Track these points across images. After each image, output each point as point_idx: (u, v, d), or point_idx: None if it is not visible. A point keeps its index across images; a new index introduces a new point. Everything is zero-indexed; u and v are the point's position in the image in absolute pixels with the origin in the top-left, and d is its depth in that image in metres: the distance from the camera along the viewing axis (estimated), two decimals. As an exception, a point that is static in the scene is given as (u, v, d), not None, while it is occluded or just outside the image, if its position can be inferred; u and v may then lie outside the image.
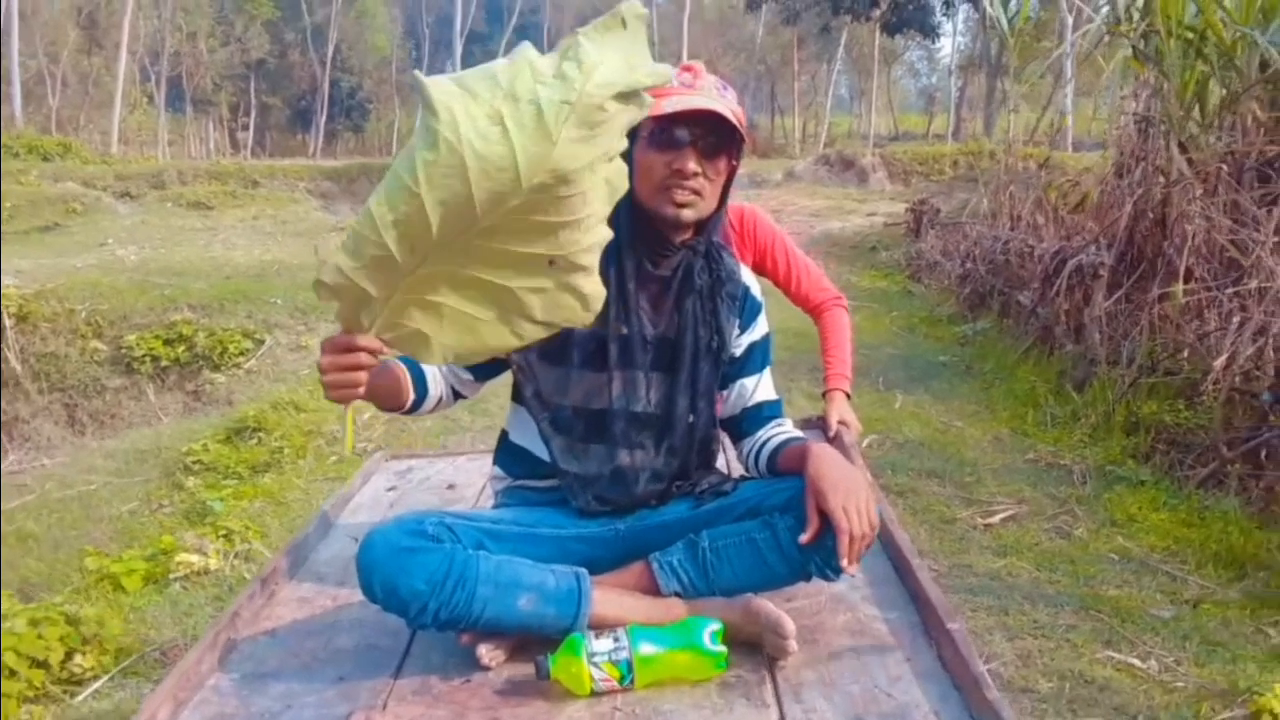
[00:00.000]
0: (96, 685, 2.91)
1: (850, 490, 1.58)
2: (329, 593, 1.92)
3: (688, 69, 1.76)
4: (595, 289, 1.45)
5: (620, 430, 1.76)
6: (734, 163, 1.78)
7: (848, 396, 2.71)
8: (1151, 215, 5.60)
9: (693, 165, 1.70)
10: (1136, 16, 5.78)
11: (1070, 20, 13.88)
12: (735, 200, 2.74)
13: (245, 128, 42.79)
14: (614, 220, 1.65)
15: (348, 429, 1.59)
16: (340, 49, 41.87)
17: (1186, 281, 4.99)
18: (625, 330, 1.75)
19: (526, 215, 1.33)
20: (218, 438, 5.63)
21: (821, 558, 1.62)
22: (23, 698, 2.80)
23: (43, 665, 2.87)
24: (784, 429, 1.87)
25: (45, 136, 20.48)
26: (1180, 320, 5.02)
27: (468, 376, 1.80)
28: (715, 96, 1.71)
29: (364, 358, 1.45)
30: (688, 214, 1.72)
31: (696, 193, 1.72)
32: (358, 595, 1.65)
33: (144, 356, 7.62)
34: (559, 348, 1.71)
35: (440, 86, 1.29)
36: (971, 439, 5.08)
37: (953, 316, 8.09)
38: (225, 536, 3.78)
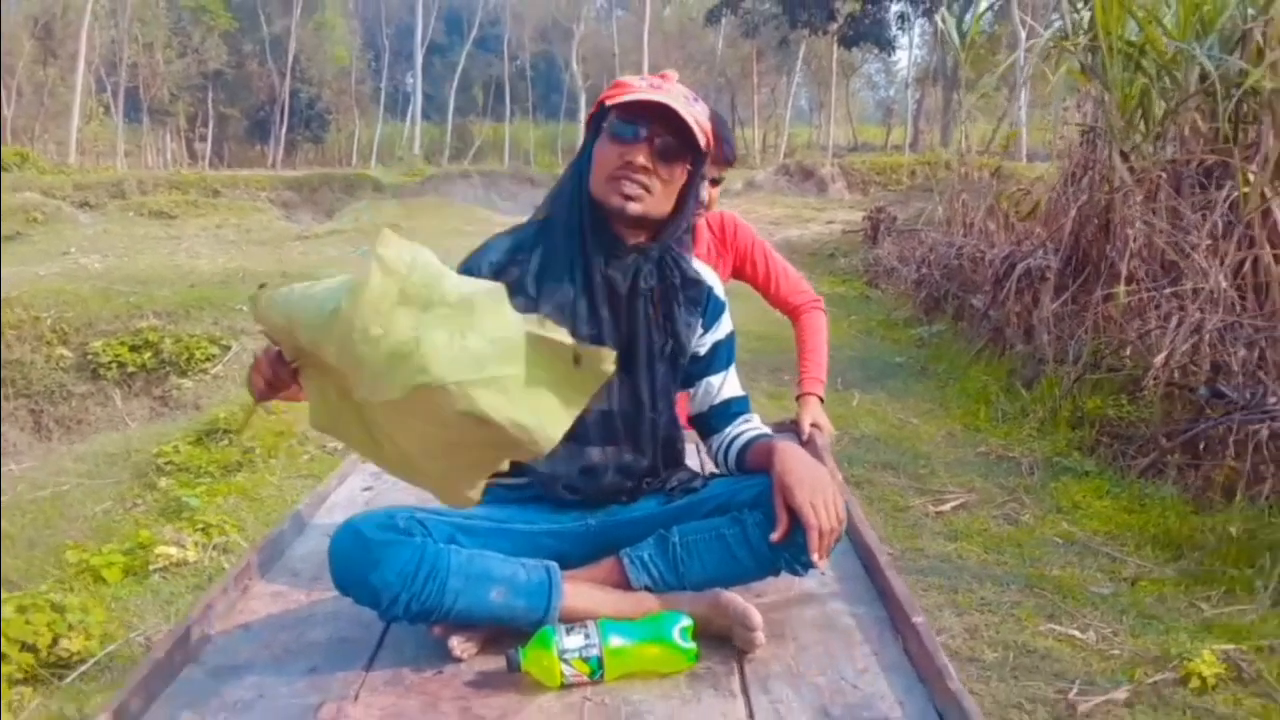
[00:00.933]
0: (83, 668, 3.00)
1: (816, 486, 1.61)
2: (303, 588, 1.92)
3: (662, 76, 1.79)
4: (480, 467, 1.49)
5: (588, 428, 1.75)
6: (691, 169, 1.78)
7: (821, 400, 2.77)
8: (1096, 221, 5.85)
9: (642, 160, 1.70)
10: (1082, 32, 6.02)
11: (1023, 34, 14.25)
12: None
13: (203, 138, 42.44)
14: (573, 217, 1.77)
15: (248, 417, 1.74)
16: (299, 60, 41.70)
17: (1128, 283, 5.22)
18: (590, 330, 1.76)
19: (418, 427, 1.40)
20: (188, 439, 5.68)
21: (790, 553, 1.65)
22: (13, 680, 2.88)
23: (31, 649, 2.95)
24: (752, 425, 1.88)
25: (5, 147, 20.30)
26: (1122, 320, 5.25)
27: None
28: (681, 102, 1.72)
29: (286, 380, 1.53)
30: (633, 207, 1.72)
31: (645, 189, 1.72)
32: (331, 590, 1.67)
33: (110, 363, 7.63)
34: None
35: (392, 255, 1.37)
36: (925, 434, 5.27)
37: (909, 320, 8.31)
38: (203, 530, 3.88)
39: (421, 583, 1.55)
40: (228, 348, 7.74)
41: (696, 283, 1.86)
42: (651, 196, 1.73)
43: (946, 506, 4.21)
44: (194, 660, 1.65)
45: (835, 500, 1.61)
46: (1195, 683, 2.80)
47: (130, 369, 7.63)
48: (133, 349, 7.67)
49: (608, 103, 1.72)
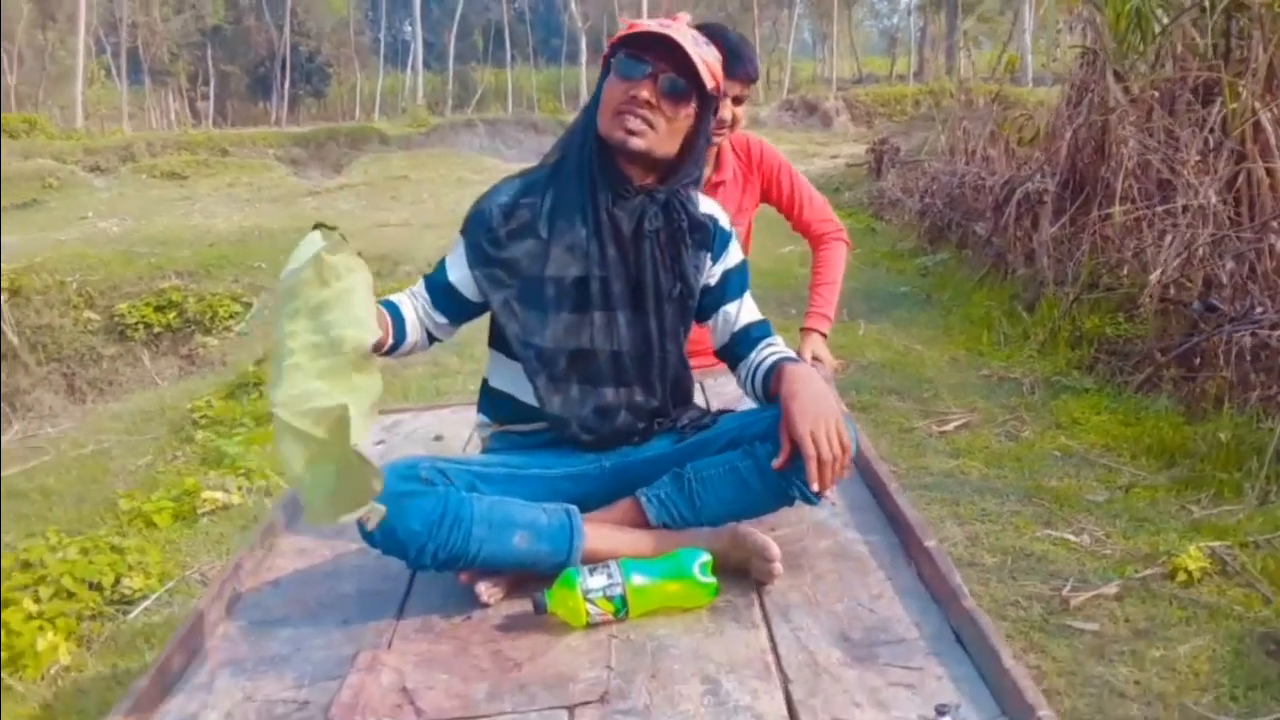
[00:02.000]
0: (146, 604, 3.24)
1: (819, 415, 1.60)
2: (327, 543, 1.95)
3: (673, 17, 1.81)
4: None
5: (599, 368, 1.80)
6: (699, 112, 1.79)
7: (824, 336, 2.78)
8: (1092, 143, 5.95)
9: (646, 94, 1.71)
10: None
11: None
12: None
13: (205, 97, 42.37)
14: (583, 157, 1.78)
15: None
16: (296, 13, 41.45)
17: (1123, 203, 5.34)
18: (600, 271, 1.78)
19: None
20: (220, 394, 5.91)
21: (802, 481, 1.64)
22: (81, 615, 3.12)
23: (96, 588, 3.20)
24: (774, 349, 1.85)
25: (9, 114, 20.40)
26: (1119, 240, 5.39)
27: (442, 320, 1.84)
28: (689, 41, 1.72)
29: None
30: (635, 142, 1.72)
31: (649, 124, 1.72)
32: (355, 544, 1.71)
33: (136, 324, 7.88)
34: (537, 289, 1.77)
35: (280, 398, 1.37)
36: (930, 360, 5.44)
37: (913, 250, 8.44)
38: (245, 475, 4.10)
39: (447, 531, 1.58)
40: (249, 305, 7.96)
41: (703, 225, 1.85)
42: (655, 133, 1.73)
43: (950, 426, 4.39)
44: (229, 617, 1.70)
45: (839, 429, 1.60)
46: (1182, 576, 2.99)
47: (156, 329, 7.87)
48: (157, 309, 7.90)
49: (617, 39, 1.75)
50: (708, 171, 2.55)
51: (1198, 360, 4.52)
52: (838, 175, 12.60)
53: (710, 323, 1.90)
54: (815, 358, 2.68)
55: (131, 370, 7.81)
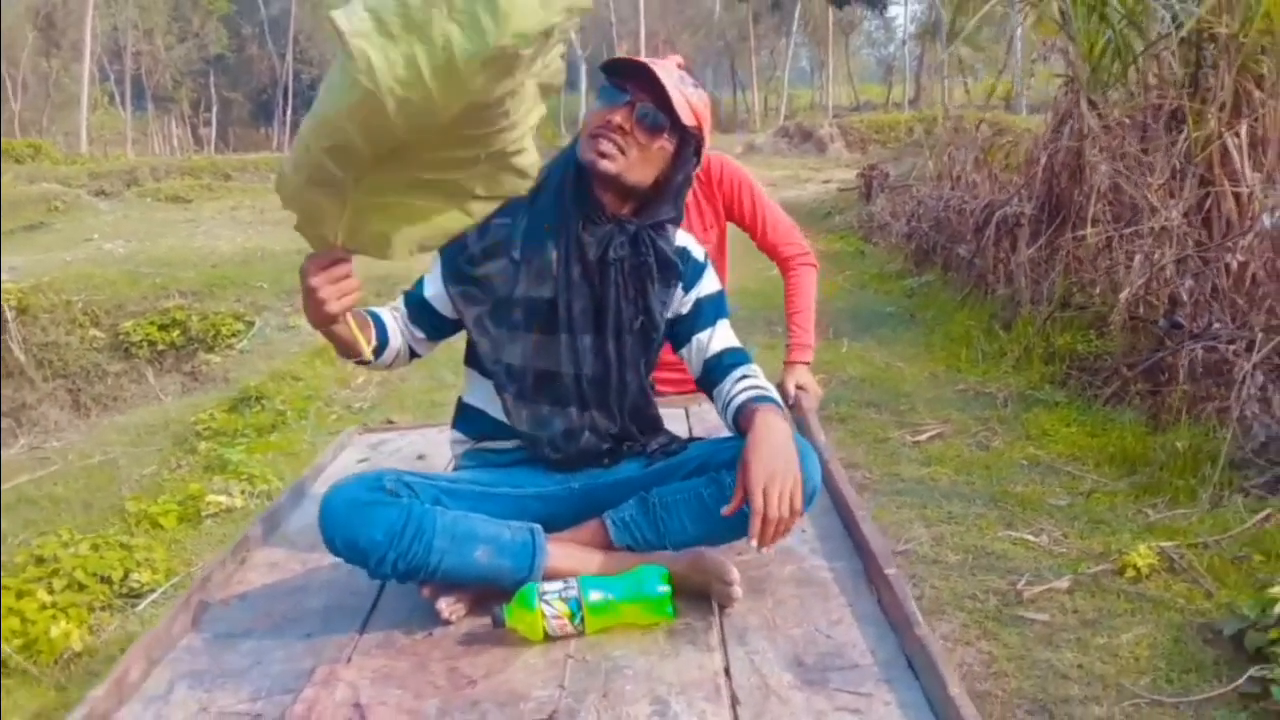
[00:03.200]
0: (153, 597, 3.42)
1: (775, 473, 1.59)
2: (299, 558, 1.97)
3: (668, 56, 1.86)
4: (530, 161, 1.46)
5: (565, 389, 1.82)
6: (678, 148, 1.82)
7: (808, 365, 2.78)
8: (1068, 168, 6.16)
9: (619, 119, 1.74)
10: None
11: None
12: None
13: (207, 123, 42.79)
14: (562, 181, 1.80)
15: (356, 335, 1.63)
16: (299, 40, 41.91)
17: (1095, 225, 5.55)
18: (566, 294, 1.80)
19: (455, 132, 1.36)
20: (222, 408, 6.10)
21: (746, 530, 1.64)
22: (92, 607, 3.30)
23: (106, 581, 3.38)
24: (749, 382, 1.83)
25: (15, 140, 20.70)
26: (1091, 261, 5.59)
27: (420, 335, 1.88)
28: (670, 75, 1.76)
29: (349, 266, 1.53)
30: (604, 164, 1.74)
31: (620, 149, 1.75)
32: (327, 559, 1.73)
33: (141, 342, 8.07)
34: (508, 308, 1.80)
35: (356, 25, 1.27)
36: (909, 375, 5.64)
37: (900, 272, 8.65)
38: (247, 479, 4.28)
39: (408, 542, 1.59)
40: (251, 323, 8.15)
41: (672, 262, 1.86)
42: (625, 159, 1.75)
43: (923, 436, 4.58)
44: (194, 630, 1.72)
45: (793, 491, 1.60)
46: (1131, 572, 3.17)
47: (160, 347, 8.06)
48: (161, 328, 8.10)
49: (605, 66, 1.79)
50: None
51: (1163, 375, 4.71)
52: (829, 200, 12.85)
53: (684, 351, 1.91)
54: (800, 386, 2.67)
55: (135, 386, 7.99)
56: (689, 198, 2.73)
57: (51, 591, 3.26)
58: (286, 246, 10.20)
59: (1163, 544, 3.31)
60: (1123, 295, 5.02)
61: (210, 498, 4.11)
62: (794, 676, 1.45)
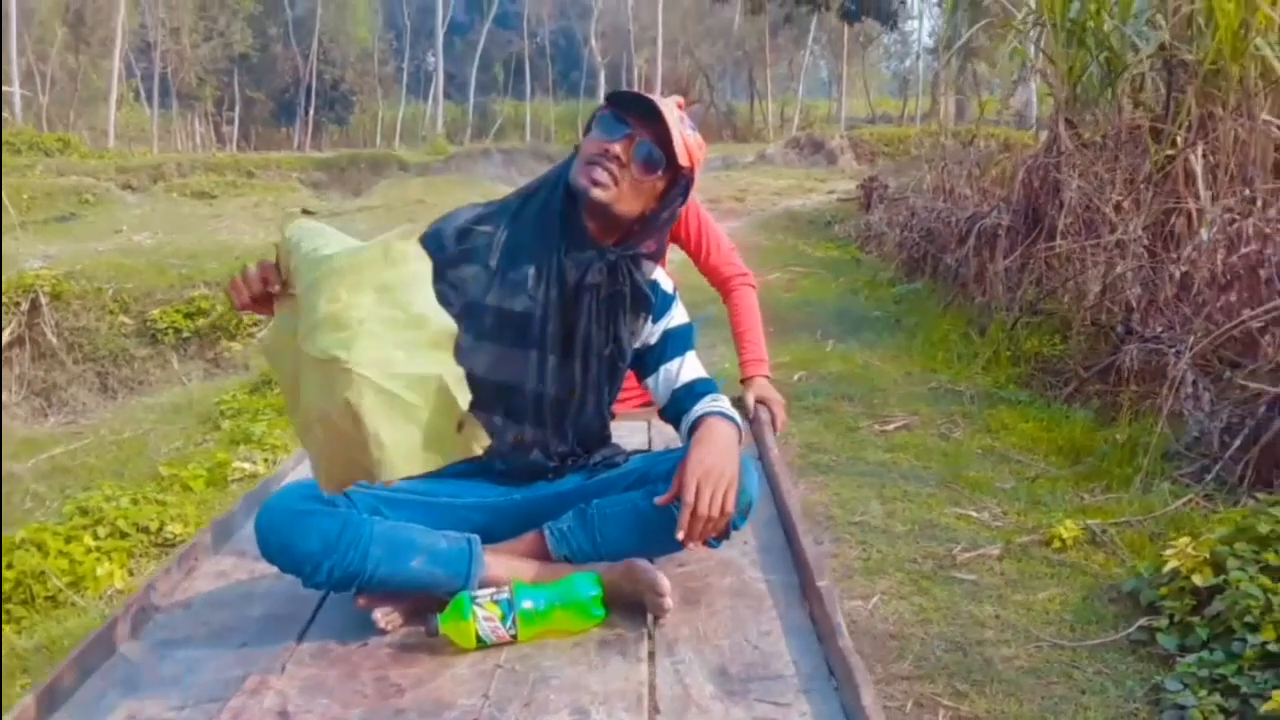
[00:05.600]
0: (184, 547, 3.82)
1: (711, 473, 1.64)
2: (247, 566, 1.97)
3: (678, 102, 1.92)
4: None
5: (522, 404, 1.83)
6: (668, 186, 1.86)
7: (767, 379, 2.81)
8: (1045, 183, 6.54)
9: (618, 150, 1.77)
10: (1029, 11, 6.72)
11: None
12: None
13: (230, 121, 43.33)
14: (550, 201, 1.84)
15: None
16: (322, 41, 42.47)
17: (1064, 238, 5.93)
18: (540, 312, 1.81)
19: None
20: (244, 390, 6.52)
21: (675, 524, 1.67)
22: (132, 552, 3.71)
23: (145, 530, 3.78)
24: (713, 403, 1.86)
25: (46, 134, 21.27)
26: (1060, 270, 5.96)
27: None
28: (674, 116, 1.80)
29: (260, 288, 1.59)
30: (597, 193, 1.77)
31: (614, 179, 1.77)
32: (273, 570, 1.72)
33: (167, 329, 8.52)
34: (478, 314, 1.80)
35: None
36: (886, 374, 6.01)
37: (892, 279, 9.03)
38: (270, 450, 4.69)
39: (344, 550, 1.60)
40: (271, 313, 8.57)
41: (645, 295, 1.88)
42: (617, 189, 1.78)
43: (890, 427, 4.96)
44: (133, 638, 1.73)
45: (726, 493, 1.64)
46: (1057, 544, 3.55)
47: (185, 334, 8.51)
48: (187, 316, 8.55)
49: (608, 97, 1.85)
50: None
51: (1114, 376, 5.08)
52: (830, 209, 13.26)
53: (650, 380, 1.94)
54: (761, 400, 2.69)
55: (161, 371, 8.44)
56: None
57: (96, 538, 3.67)
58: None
59: (1089, 521, 3.69)
60: (1086, 302, 5.41)
61: (236, 464, 4.52)
62: (716, 687, 1.47)
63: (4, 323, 8.31)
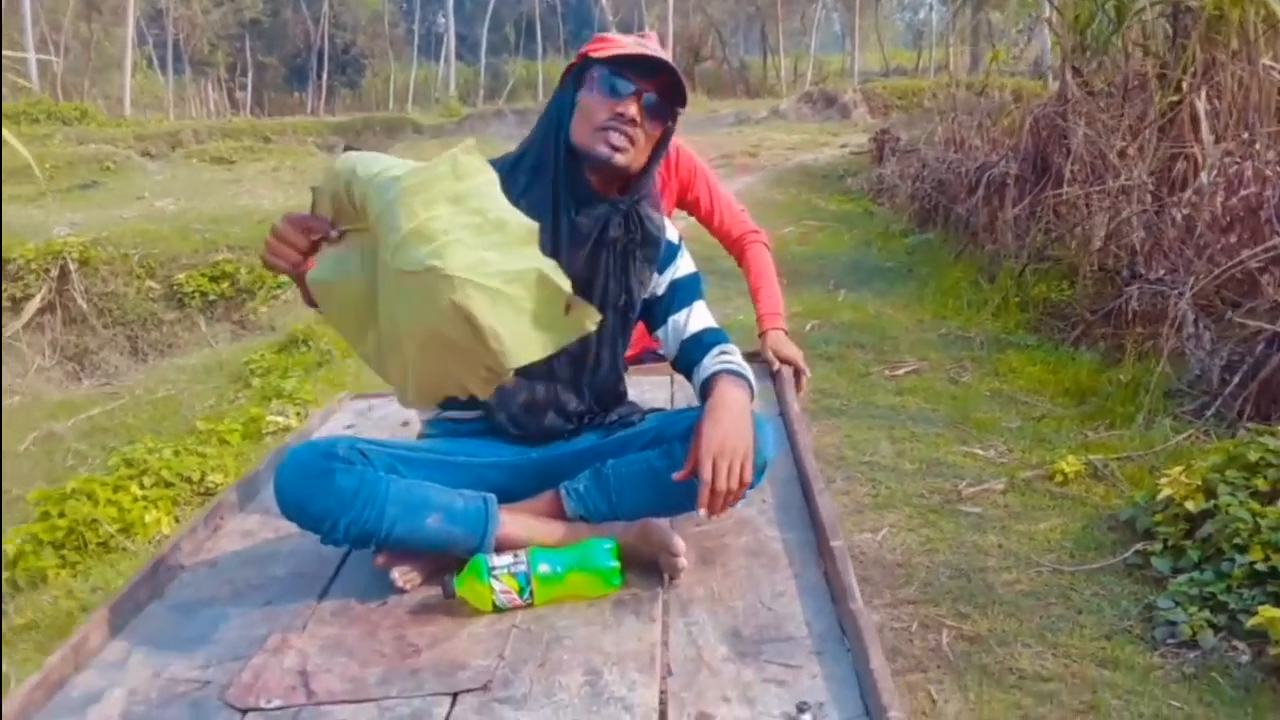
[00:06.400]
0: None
1: (726, 445, 1.63)
2: (272, 525, 1.96)
3: (644, 35, 1.89)
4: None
5: (540, 372, 1.79)
6: (670, 127, 1.85)
7: (784, 332, 2.76)
8: (1053, 130, 6.62)
9: (633, 112, 1.74)
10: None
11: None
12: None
13: (243, 87, 43.37)
14: (547, 163, 1.80)
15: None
16: (333, 5, 42.36)
17: (1071, 185, 6.02)
18: None
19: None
20: (272, 350, 6.70)
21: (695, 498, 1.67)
22: (176, 500, 3.90)
23: (187, 480, 3.98)
24: (725, 357, 1.85)
25: (62, 103, 21.43)
26: (1066, 216, 6.06)
27: None
28: (668, 56, 1.79)
29: (304, 240, 1.55)
30: (620, 158, 1.76)
31: (631, 141, 1.76)
32: (297, 529, 1.71)
33: (193, 292, 8.71)
34: None
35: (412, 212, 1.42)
36: (898, 321, 6.15)
37: (904, 231, 9.12)
38: (301, 404, 4.87)
39: (360, 508, 1.60)
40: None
41: (656, 240, 1.88)
42: (635, 149, 1.77)
43: (900, 372, 5.11)
44: (159, 596, 1.74)
45: (743, 464, 1.64)
46: (1059, 478, 3.70)
47: (211, 297, 8.70)
48: (212, 279, 8.73)
49: (598, 55, 1.77)
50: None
51: (1120, 318, 5.20)
52: (842, 163, 13.30)
53: (660, 332, 1.93)
54: (781, 357, 2.64)
55: (188, 334, 8.64)
56: None
57: (142, 487, 3.86)
58: (326, 205, 10.80)
59: (1091, 456, 3.84)
60: (1091, 248, 5.52)
61: (269, 418, 4.71)
62: (729, 648, 1.47)
63: (35, 290, 8.53)
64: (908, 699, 2.52)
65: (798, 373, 2.60)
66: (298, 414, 4.79)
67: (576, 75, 1.81)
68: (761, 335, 2.71)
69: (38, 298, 8.50)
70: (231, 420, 4.82)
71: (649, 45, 1.81)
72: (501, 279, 1.43)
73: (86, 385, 8.00)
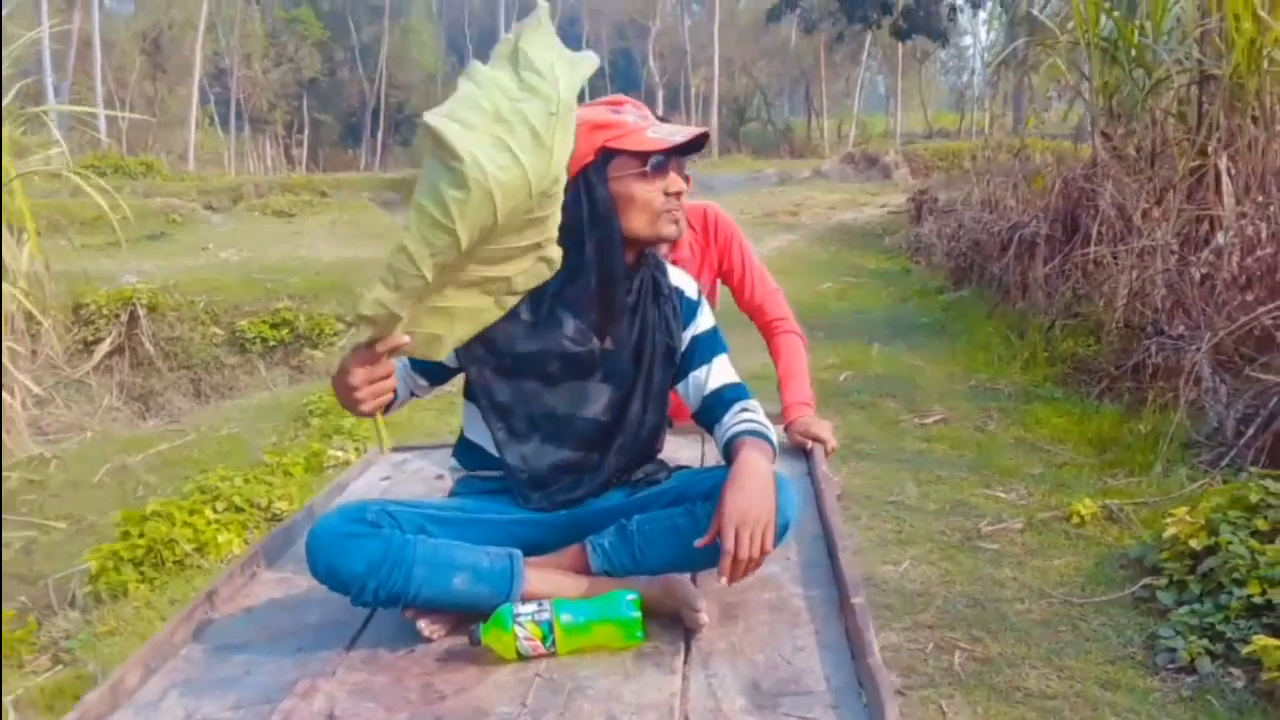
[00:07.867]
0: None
1: (749, 516, 1.64)
2: (306, 573, 1.96)
3: (621, 102, 1.90)
4: (556, 254, 1.58)
5: (568, 430, 1.87)
6: None
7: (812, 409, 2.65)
8: (1083, 192, 6.86)
9: (682, 184, 1.83)
10: (1064, 30, 7.05)
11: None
12: (704, 200, 2.93)
13: (299, 144, 44.69)
14: (613, 258, 1.81)
15: (381, 431, 1.76)
16: (388, 66, 43.65)
17: (1099, 244, 6.24)
18: (578, 348, 1.85)
19: (526, 216, 1.49)
20: (330, 393, 7.02)
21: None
22: (247, 524, 4.20)
23: (257, 506, 4.28)
24: (747, 415, 1.88)
25: (129, 157, 22.29)
26: (1096, 275, 6.28)
27: (424, 383, 1.94)
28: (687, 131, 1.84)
29: (391, 364, 1.63)
30: (677, 231, 1.85)
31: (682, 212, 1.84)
32: None
33: (254, 338, 9.12)
34: (512, 363, 1.84)
35: (453, 129, 1.41)
36: (929, 374, 6.37)
37: (940, 288, 9.36)
38: (360, 440, 5.17)
39: (388, 572, 1.65)
40: (350, 324, 9.14)
41: (677, 291, 1.94)
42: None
43: (929, 420, 5.32)
44: (194, 640, 1.79)
45: (764, 533, 1.66)
46: (1075, 519, 3.89)
47: (271, 343, 9.11)
48: (272, 326, 9.14)
49: (621, 145, 1.79)
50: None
51: (1142, 372, 5.39)
52: (881, 222, 13.61)
53: (681, 387, 1.95)
54: (817, 439, 2.54)
55: (249, 377, 9.03)
56: (686, 255, 2.75)
57: (215, 511, 4.17)
58: (381, 256, 11.21)
59: (1108, 501, 4.03)
60: (1116, 305, 5.73)
61: (330, 453, 5.01)
62: (747, 700, 1.50)
63: (105, 334, 8.97)
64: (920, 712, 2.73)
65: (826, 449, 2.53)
66: (356, 450, 5.09)
67: (598, 170, 1.79)
68: (788, 425, 2.59)
69: (107, 341, 8.92)
70: (294, 454, 5.12)
71: (648, 115, 1.89)
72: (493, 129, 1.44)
73: (152, 424, 8.39)
